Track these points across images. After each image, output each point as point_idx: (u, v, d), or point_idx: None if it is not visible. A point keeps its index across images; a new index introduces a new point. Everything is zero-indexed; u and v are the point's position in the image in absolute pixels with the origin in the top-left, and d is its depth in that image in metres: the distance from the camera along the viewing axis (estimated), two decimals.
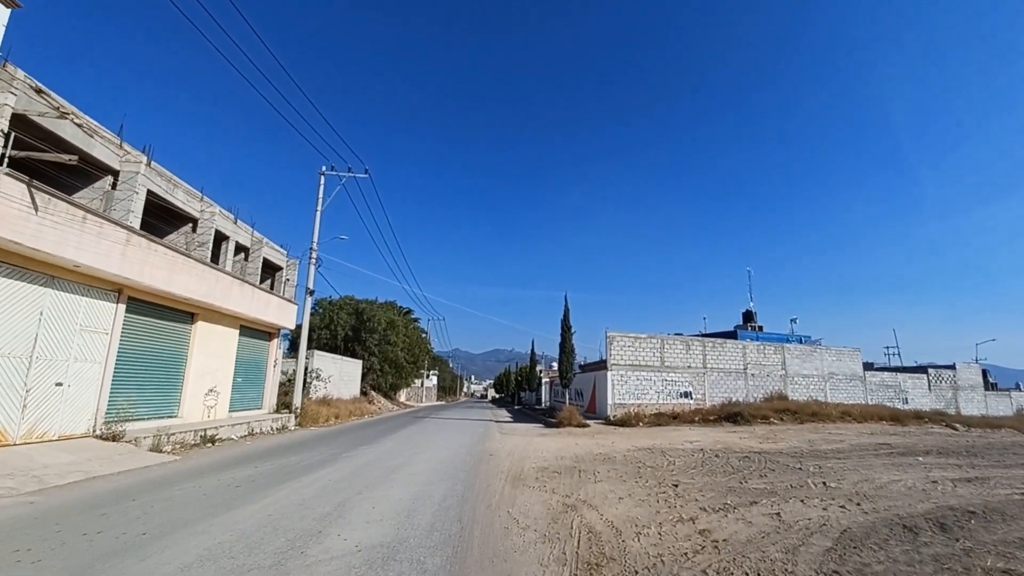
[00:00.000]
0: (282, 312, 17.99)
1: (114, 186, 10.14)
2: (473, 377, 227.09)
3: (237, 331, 15.85)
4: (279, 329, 18.61)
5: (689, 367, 24.31)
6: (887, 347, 49.96)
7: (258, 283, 16.85)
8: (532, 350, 44.24)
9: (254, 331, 17.14)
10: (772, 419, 18.80)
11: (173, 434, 10.79)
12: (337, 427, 18.52)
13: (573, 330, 23.75)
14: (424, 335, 53.47)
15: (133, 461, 8.79)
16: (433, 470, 8.99)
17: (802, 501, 6.67)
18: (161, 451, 10.03)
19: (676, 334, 26.57)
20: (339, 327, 33.41)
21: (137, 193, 10.17)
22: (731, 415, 19.04)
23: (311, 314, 36.29)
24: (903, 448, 12.76)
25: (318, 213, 19.98)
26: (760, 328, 34.63)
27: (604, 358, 27.71)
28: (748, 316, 36.46)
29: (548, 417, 23.53)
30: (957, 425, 18.63)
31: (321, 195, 20.21)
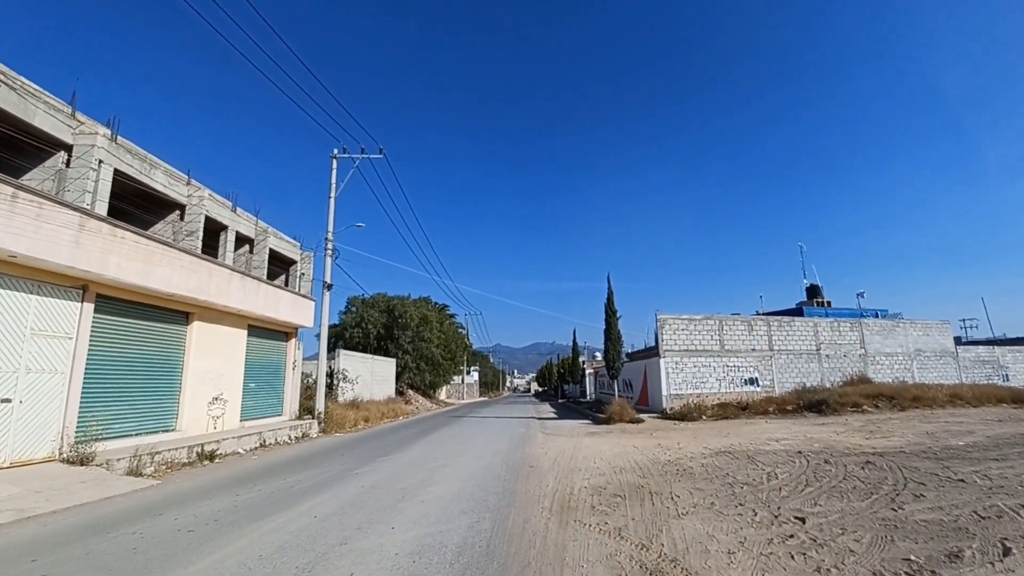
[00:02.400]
0: (297, 309, 16.33)
1: (68, 164, 8.47)
2: (516, 372, 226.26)
3: (245, 331, 14.27)
4: (296, 328, 17.00)
5: (753, 350, 21.28)
6: (964, 319, 44.60)
7: (265, 277, 15.22)
8: (574, 340, 41.78)
9: (266, 331, 15.55)
10: (865, 406, 15.71)
11: (159, 452, 9.11)
12: (364, 432, 16.78)
13: (619, 315, 21.16)
14: (462, 330, 51.88)
15: (94, 491, 7.07)
16: (456, 494, 6.84)
17: None
18: (140, 474, 8.34)
19: (734, 314, 23.52)
20: (370, 325, 32.01)
21: (95, 171, 8.46)
22: (813, 403, 16.07)
23: (343, 313, 35.24)
24: None
25: (332, 199, 18.24)
26: (828, 304, 30.76)
27: (654, 344, 24.95)
28: (813, 291, 32.53)
29: (595, 412, 21.10)
30: None
31: (334, 180, 18.47)
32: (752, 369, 21.02)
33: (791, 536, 4.66)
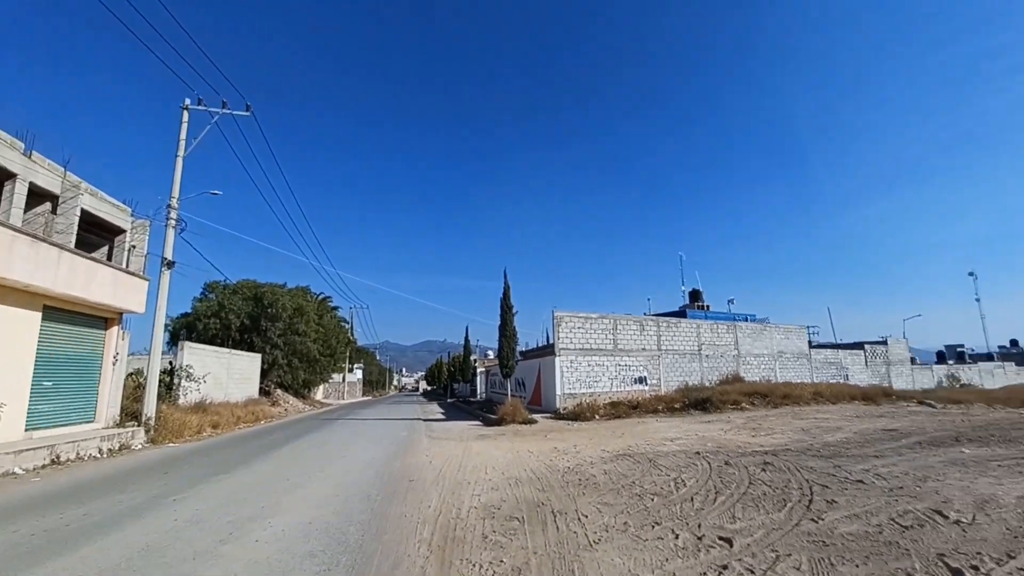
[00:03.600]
0: (121, 289, 12.99)
1: None
2: (404, 370, 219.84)
3: (39, 314, 10.91)
4: (119, 313, 13.57)
5: (644, 350, 21.86)
6: (809, 326, 51.52)
7: (74, 246, 11.85)
8: (466, 337, 40.65)
9: (73, 315, 12.13)
10: (743, 404, 16.66)
11: None
12: (209, 441, 13.94)
13: (515, 310, 20.41)
14: (345, 324, 48.10)
15: None
16: (307, 527, 5.22)
17: (970, 566, 3.69)
18: None
19: (627, 315, 24.09)
20: (232, 315, 27.84)
21: None
22: (698, 401, 16.68)
23: (198, 300, 30.35)
24: (920, 434, 10.64)
25: (179, 159, 15.00)
26: (708, 307, 33.39)
27: (547, 343, 24.69)
28: (695, 295, 35.14)
29: (486, 412, 20.12)
30: (932, 402, 17.61)
31: (184, 135, 15.23)
32: (642, 368, 21.58)
33: (725, 567, 3.86)
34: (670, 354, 22.50)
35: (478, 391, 42.77)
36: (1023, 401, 17.08)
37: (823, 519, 4.99)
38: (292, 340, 30.29)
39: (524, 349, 32.60)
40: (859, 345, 31.13)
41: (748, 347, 25.09)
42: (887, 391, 20.35)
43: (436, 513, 5.69)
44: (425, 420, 19.91)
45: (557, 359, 19.82)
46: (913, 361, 35.67)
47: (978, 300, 49.98)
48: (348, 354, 51.73)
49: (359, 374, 65.99)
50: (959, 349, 49.98)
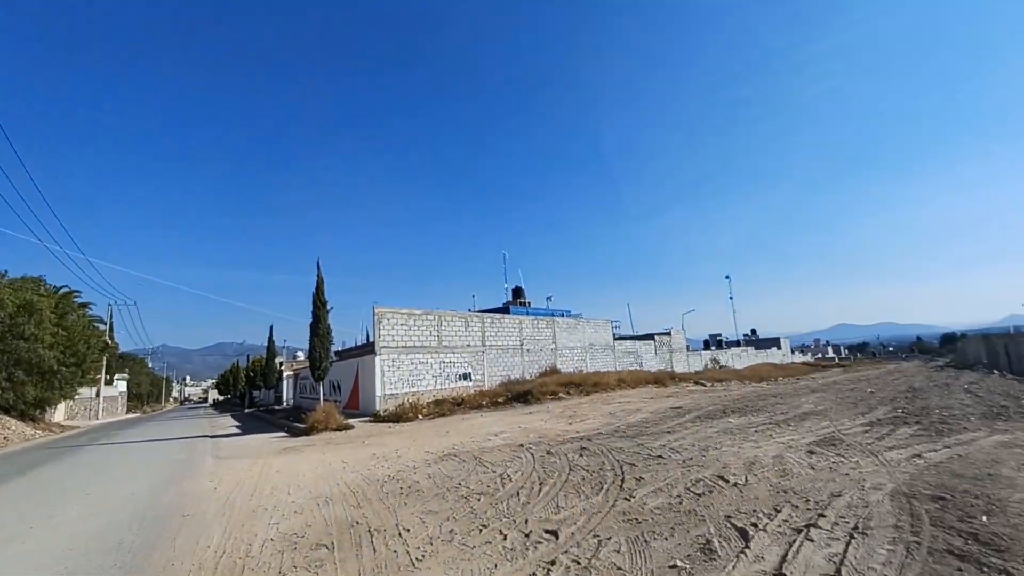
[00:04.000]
0: None
1: None
2: (188, 378, 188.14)
3: None
4: None
5: (468, 346, 22.15)
6: (613, 320, 59.19)
7: None
8: (270, 336, 36.20)
9: None
10: (560, 394, 18.02)
11: None
12: None
13: (330, 307, 18.72)
14: (100, 326, 38.74)
15: None
16: None
17: (751, 524, 4.29)
18: None
19: (452, 311, 24.16)
20: None
21: None
22: (520, 394, 17.50)
23: None
24: (698, 410, 12.73)
25: None
26: (529, 304, 35.65)
27: (370, 340, 23.43)
28: (518, 292, 37.20)
29: (294, 421, 18.05)
30: (704, 382, 21.49)
31: None
32: (466, 364, 21.84)
33: (552, 563, 3.80)
34: (494, 349, 23.28)
35: (285, 398, 38.57)
36: (762, 377, 22.17)
37: (634, 496, 5.39)
38: (14, 346, 23.04)
39: (341, 349, 30.44)
40: (651, 336, 36.75)
41: (564, 340, 27.46)
42: (672, 375, 24.39)
43: (218, 554, 4.61)
44: (213, 436, 16.96)
45: (378, 358, 18.79)
46: (688, 348, 43.52)
47: (731, 298, 63.55)
48: (105, 362, 41.88)
49: (122, 386, 54.01)
50: (718, 337, 63.03)
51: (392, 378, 19.02)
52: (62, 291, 31.51)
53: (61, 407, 34.94)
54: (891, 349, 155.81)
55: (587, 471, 6.73)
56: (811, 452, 6.93)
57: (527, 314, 29.44)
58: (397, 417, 16.20)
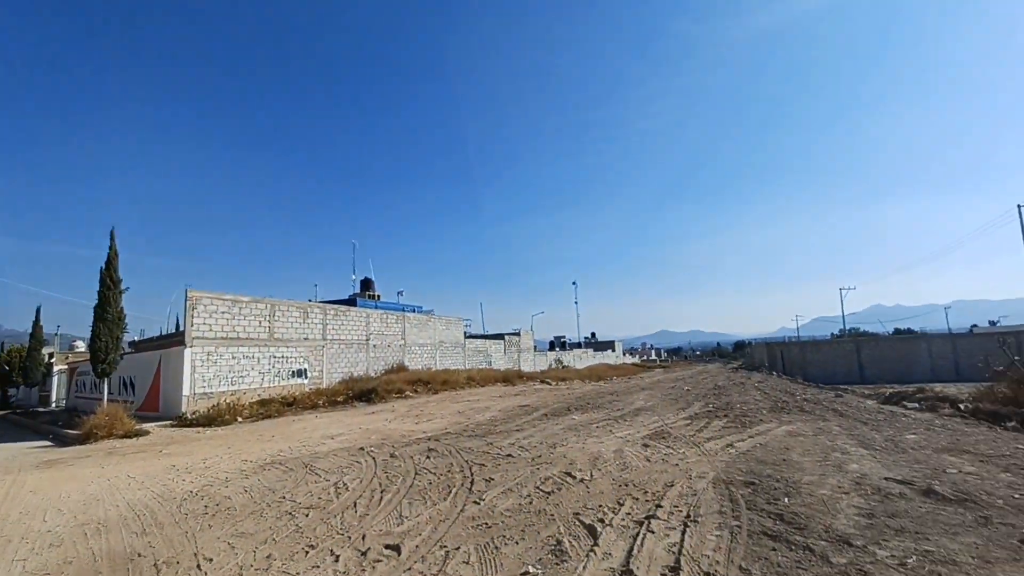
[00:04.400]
0: None
1: None
2: None
3: None
4: None
5: (306, 339, 20.26)
6: (465, 319, 59.93)
7: None
8: (37, 321, 29.03)
9: None
10: (408, 392, 17.36)
11: None
12: None
13: (124, 287, 15.51)
14: None
15: None
16: None
17: (598, 520, 4.38)
18: None
19: (288, 300, 21.93)
20: None
21: None
22: (363, 392, 16.43)
23: None
24: (544, 407, 13.23)
25: None
26: (379, 297, 33.93)
27: (176, 330, 20.18)
28: (367, 284, 35.16)
29: (63, 426, 14.57)
30: (549, 380, 22.57)
31: None
32: (302, 360, 19.96)
33: None
34: (336, 344, 21.67)
35: (55, 398, 31.32)
36: (599, 376, 24.19)
37: (484, 499, 5.21)
38: None
39: (138, 339, 25.73)
40: (501, 336, 37.86)
41: (414, 337, 26.77)
42: (520, 373, 25.34)
43: None
44: None
45: (188, 350, 16.11)
46: (535, 349, 45.84)
47: (576, 303, 68.88)
48: None
49: None
50: (562, 339, 67.75)
51: (206, 374, 16.47)
52: None
53: None
54: (698, 353, 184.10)
55: (434, 474, 6.39)
56: (646, 445, 7.53)
57: (376, 307, 28.11)
58: (210, 420, 14.02)
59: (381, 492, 5.68)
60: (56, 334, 43.25)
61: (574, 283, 70.16)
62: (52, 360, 33.08)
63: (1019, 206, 35.29)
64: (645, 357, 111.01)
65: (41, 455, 10.58)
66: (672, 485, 5.37)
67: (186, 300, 16.63)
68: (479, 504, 5.07)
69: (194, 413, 15.07)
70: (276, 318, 19.26)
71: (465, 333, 32.44)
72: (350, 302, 28.91)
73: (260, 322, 18.66)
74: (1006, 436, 7.68)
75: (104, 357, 14.43)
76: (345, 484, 6.14)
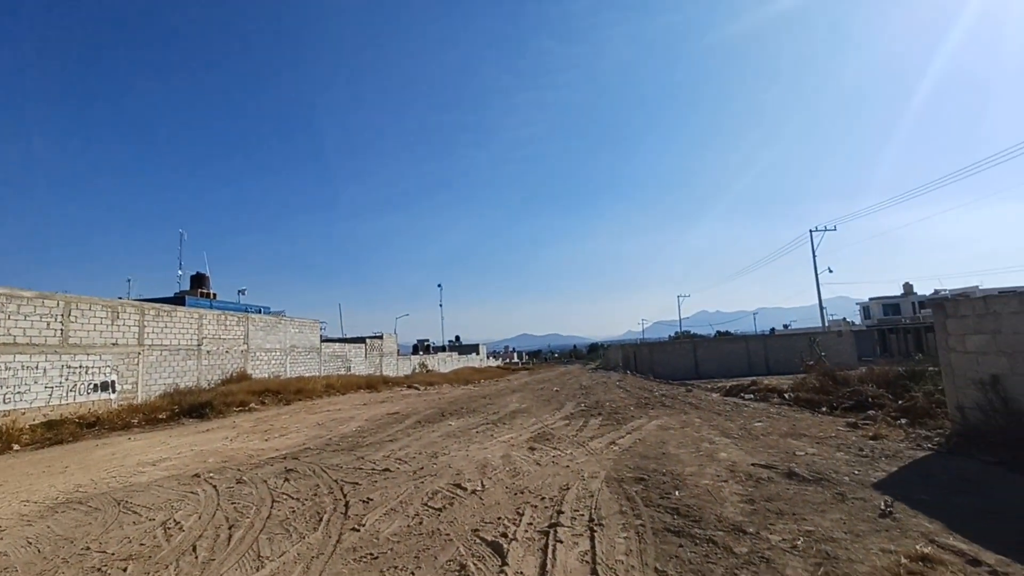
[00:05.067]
0: None
1: None
2: None
3: None
4: None
5: (116, 345, 16.86)
6: (321, 321, 55.80)
7: None
8: None
9: None
10: (253, 404, 15.27)
11: None
12: None
13: None
14: None
15: None
16: None
17: (501, 535, 4.05)
18: None
19: (91, 296, 18.13)
20: None
21: None
22: (195, 407, 14.02)
23: None
24: (416, 414, 12.58)
25: None
26: (215, 296, 29.58)
27: None
28: (200, 280, 30.36)
29: None
30: (417, 385, 21.66)
31: None
32: (110, 371, 16.56)
33: None
34: (157, 350, 18.40)
35: None
36: (466, 380, 24.05)
37: (364, 524, 4.58)
38: None
39: None
40: (362, 340, 35.84)
41: (260, 341, 23.95)
42: (385, 379, 24.05)
43: None
44: None
45: None
46: (399, 352, 44.30)
47: (441, 305, 68.35)
48: None
49: None
50: (426, 342, 66.72)
51: None
52: None
53: None
54: (557, 355, 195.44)
55: (298, 500, 5.52)
56: (532, 448, 7.43)
57: (211, 307, 24.65)
58: None
59: (229, 529, 4.70)
60: None
61: (439, 285, 69.81)
62: None
63: (811, 231, 43.44)
64: (508, 360, 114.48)
65: None
66: (568, 488, 5.27)
67: None
68: (359, 531, 4.42)
69: None
70: (73, 319, 15.71)
71: (321, 337, 30.04)
72: (177, 300, 24.91)
73: (49, 324, 15.04)
74: (825, 420, 9.07)
75: None
76: (177, 523, 4.98)
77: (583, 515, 4.44)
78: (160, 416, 13.87)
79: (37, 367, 14.55)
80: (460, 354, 64.98)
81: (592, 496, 4.96)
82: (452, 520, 4.54)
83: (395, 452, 7.83)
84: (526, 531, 4.16)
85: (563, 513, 4.50)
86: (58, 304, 15.48)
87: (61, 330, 15.36)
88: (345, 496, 5.53)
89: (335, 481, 6.21)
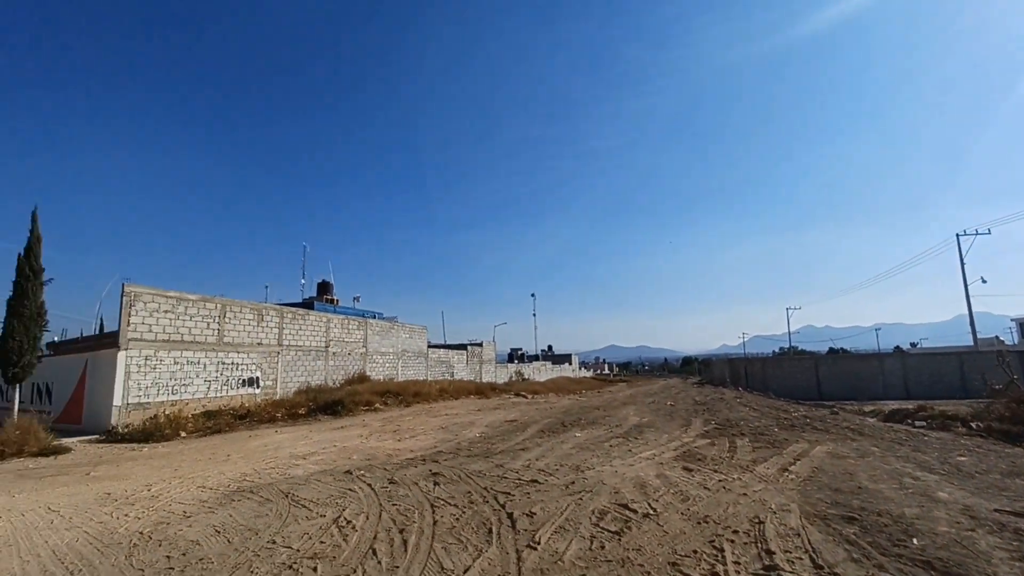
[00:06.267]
0: None
1: None
2: None
3: None
4: None
5: (260, 344, 18.35)
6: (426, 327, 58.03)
7: None
8: None
9: None
10: (377, 404, 15.87)
11: None
12: None
13: (47, 278, 13.39)
14: None
15: None
16: None
17: (711, 574, 3.43)
18: None
19: (241, 300, 19.93)
20: None
21: None
22: (328, 404, 14.83)
23: None
24: (535, 423, 12.22)
25: None
26: (337, 302, 31.81)
27: (100, 331, 17.90)
28: (324, 287, 32.92)
29: None
30: (524, 393, 21.55)
31: None
32: (255, 367, 18.03)
33: None
34: (293, 350, 19.81)
35: None
36: (566, 390, 23.43)
37: (539, 541, 4.17)
38: None
39: (58, 340, 22.76)
40: (463, 346, 36.54)
41: (376, 345, 25.10)
42: (492, 385, 24.21)
43: None
44: None
45: (123, 353, 14.03)
46: (496, 360, 44.71)
47: (535, 315, 68.23)
48: None
49: None
50: (519, 351, 66.96)
51: (143, 381, 14.41)
52: None
53: None
54: (647, 368, 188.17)
55: (456, 507, 5.26)
56: (688, 469, 6.68)
57: (335, 312, 26.25)
58: (147, 435, 12.11)
59: (400, 533, 4.51)
60: None
61: (532, 295, 69.59)
62: None
63: (958, 235, 37.70)
64: (599, 371, 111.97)
65: None
66: (761, 521, 4.51)
67: (122, 296, 14.54)
68: (536, 549, 4.02)
69: (127, 426, 13.06)
70: (227, 320, 17.31)
71: (428, 342, 30.95)
72: (306, 305, 26.87)
73: (208, 324, 16.68)
74: None
75: (17, 359, 12.22)
76: (348, 521, 4.90)
77: (801, 559, 3.69)
78: (300, 411, 14.73)
79: (199, 362, 16.12)
80: (553, 363, 64.38)
81: (798, 535, 4.17)
82: (638, 548, 4.00)
83: (533, 462, 7.43)
84: (738, 572, 3.50)
85: (774, 554, 3.78)
86: (216, 307, 17.11)
87: (218, 330, 16.95)
88: (503, 506, 5.19)
89: (485, 489, 5.91)
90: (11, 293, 12.78)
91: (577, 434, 10.27)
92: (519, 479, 6.38)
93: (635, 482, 6.02)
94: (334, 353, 22.09)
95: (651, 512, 4.87)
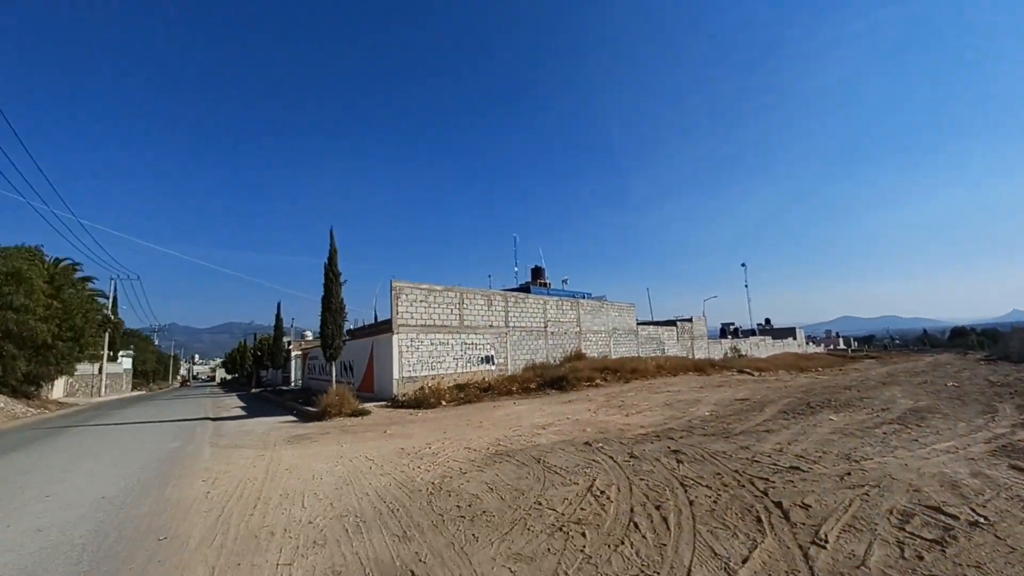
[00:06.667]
0: None
1: None
2: (197, 357, 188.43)
3: None
4: None
5: (491, 326, 20.32)
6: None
7: None
8: (278, 314, 34.52)
9: None
10: (598, 380, 16.22)
11: None
12: None
13: (344, 279, 16.93)
14: (102, 300, 37.10)
15: None
16: None
17: None
18: None
19: (474, 288, 22.30)
20: None
21: None
22: (554, 380, 15.71)
23: None
24: (771, 403, 10.86)
25: None
26: (549, 285, 33.73)
27: (376, 320, 21.72)
28: (538, 272, 35.25)
29: (303, 404, 16.35)
30: (750, 371, 19.72)
31: None
32: (489, 347, 20.05)
33: None
34: (517, 331, 21.46)
35: (293, 378, 37.07)
36: (798, 367, 20.34)
37: (825, 539, 3.54)
38: (1, 317, 21.39)
39: (353, 327, 28.77)
40: (672, 322, 34.85)
41: (588, 324, 25.60)
42: (711, 362, 22.61)
43: None
44: (215, 419, 15.24)
45: (395, 336, 17.00)
46: (707, 336, 41.60)
47: (747, 286, 61.30)
48: (108, 338, 40.32)
49: (127, 363, 52.69)
50: (732, 326, 61.08)
51: (411, 359, 17.23)
52: (62, 264, 29.89)
53: (60, 383, 33.53)
54: (898, 342, 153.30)
55: (708, 488, 4.87)
56: (1018, 468, 5.04)
57: (548, 294, 27.56)
58: (418, 402, 14.45)
59: (657, 510, 4.35)
60: (291, 327, 51.61)
61: (743, 265, 62.27)
62: (290, 347, 39.23)
63: None
64: (832, 346, 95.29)
65: (290, 429, 11.59)
66: None
67: (391, 290, 17.57)
68: (825, 548, 3.42)
69: (404, 395, 15.76)
70: (465, 306, 19.57)
71: (636, 319, 30.31)
72: (524, 290, 28.81)
73: (451, 310, 19.10)
74: None
75: (331, 343, 15.76)
76: (601, 491, 4.94)
77: None
78: (530, 386, 15.84)
79: (447, 343, 18.53)
80: (774, 339, 56.99)
81: None
82: (976, 564, 3.08)
83: (785, 447, 6.51)
84: None
85: None
86: (456, 295, 19.42)
87: (459, 315, 19.22)
88: (764, 493, 4.61)
89: (736, 472, 5.36)
90: (323, 294, 16.52)
91: (832, 417, 8.72)
92: (775, 464, 5.64)
93: (940, 480, 4.76)
94: (552, 332, 23.21)
95: (980, 520, 3.74)
